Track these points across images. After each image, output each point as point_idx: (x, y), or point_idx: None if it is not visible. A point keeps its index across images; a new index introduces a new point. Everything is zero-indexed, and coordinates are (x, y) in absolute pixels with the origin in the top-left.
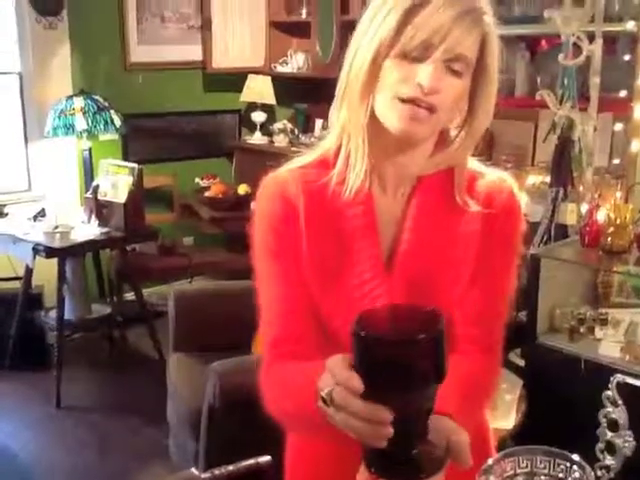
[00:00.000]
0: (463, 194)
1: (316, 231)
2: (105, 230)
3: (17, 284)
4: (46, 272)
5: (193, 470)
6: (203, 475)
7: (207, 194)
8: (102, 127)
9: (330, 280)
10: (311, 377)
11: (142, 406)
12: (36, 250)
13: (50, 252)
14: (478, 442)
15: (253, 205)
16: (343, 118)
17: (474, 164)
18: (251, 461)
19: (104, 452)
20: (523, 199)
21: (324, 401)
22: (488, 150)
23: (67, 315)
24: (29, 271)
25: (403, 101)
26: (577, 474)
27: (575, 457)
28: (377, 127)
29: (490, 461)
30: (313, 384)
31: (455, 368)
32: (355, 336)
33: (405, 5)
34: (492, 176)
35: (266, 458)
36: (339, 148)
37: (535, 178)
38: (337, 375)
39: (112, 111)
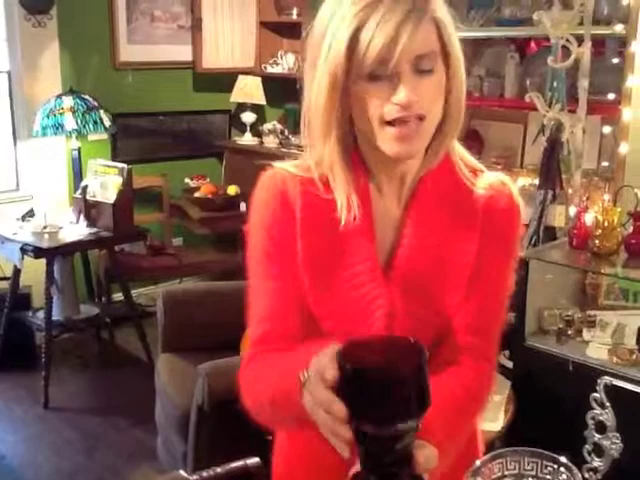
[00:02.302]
0: (469, 176)
1: (312, 234)
2: (94, 230)
3: (5, 284)
4: (34, 272)
5: (181, 472)
6: (191, 477)
7: (197, 194)
8: (91, 127)
9: (326, 282)
10: (294, 363)
11: (130, 407)
12: (24, 250)
13: (38, 252)
14: (466, 444)
15: (243, 206)
16: (315, 155)
17: (473, 161)
18: (239, 463)
19: (92, 453)
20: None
21: (303, 385)
22: (477, 152)
23: (55, 315)
24: (17, 271)
25: (389, 123)
26: (564, 476)
27: (562, 459)
28: (368, 144)
29: (478, 463)
30: (297, 367)
31: (448, 383)
32: (340, 367)
33: (350, 28)
34: (491, 177)
35: (255, 460)
36: (324, 174)
37: (524, 180)
38: (317, 395)
39: (101, 110)
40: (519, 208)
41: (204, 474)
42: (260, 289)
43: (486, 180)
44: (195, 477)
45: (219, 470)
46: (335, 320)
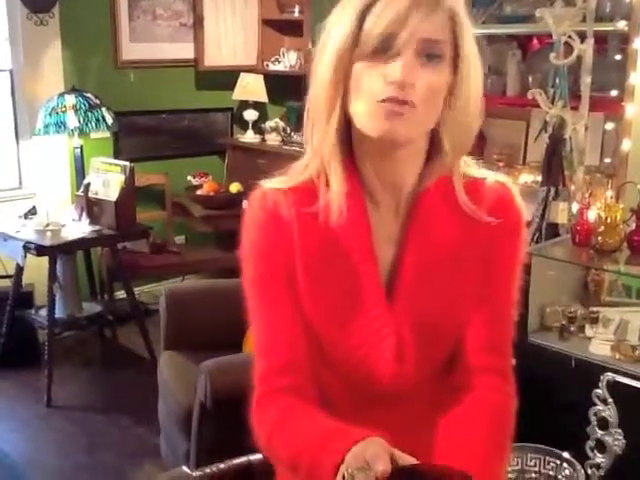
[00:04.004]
0: (469, 203)
1: (312, 259)
2: (96, 228)
3: (7, 282)
4: (37, 270)
5: (184, 468)
6: (194, 473)
7: (199, 192)
8: (94, 125)
9: (328, 308)
10: (329, 445)
11: (133, 405)
12: (27, 248)
13: (41, 250)
14: None
15: (245, 204)
16: (315, 141)
17: (472, 169)
18: (243, 459)
19: (95, 451)
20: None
21: (343, 477)
22: (480, 149)
23: (58, 313)
24: (20, 269)
25: (381, 102)
26: (567, 471)
27: (565, 455)
28: (360, 143)
29: None
30: (331, 453)
31: (475, 422)
32: None
33: (358, 6)
34: (493, 184)
35: (258, 456)
36: (319, 172)
37: (527, 177)
38: None
39: (104, 109)
40: (522, 216)
41: (207, 470)
42: (262, 319)
43: (488, 184)
44: (198, 473)
45: (222, 466)
46: (340, 350)
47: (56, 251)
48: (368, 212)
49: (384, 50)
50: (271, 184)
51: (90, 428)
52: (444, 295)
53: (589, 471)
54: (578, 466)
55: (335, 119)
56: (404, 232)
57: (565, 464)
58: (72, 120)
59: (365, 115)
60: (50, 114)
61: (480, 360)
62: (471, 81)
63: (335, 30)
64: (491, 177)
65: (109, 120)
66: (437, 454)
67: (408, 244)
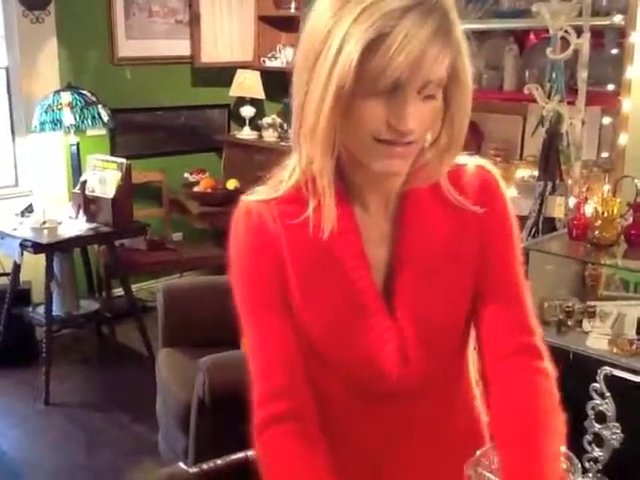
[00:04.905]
0: (456, 194)
1: (304, 271)
2: (93, 225)
3: (5, 280)
4: (34, 268)
5: (181, 465)
6: (191, 470)
7: (196, 189)
8: (90, 122)
9: (326, 317)
10: None
11: (131, 402)
12: (24, 246)
13: (38, 248)
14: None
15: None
16: (304, 161)
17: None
18: (240, 455)
19: (93, 448)
20: (512, 193)
21: None
22: (476, 144)
23: (55, 311)
24: (17, 267)
25: (379, 141)
26: (564, 465)
27: (562, 448)
28: (351, 159)
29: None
30: None
31: (520, 404)
32: None
33: (366, 36)
34: (474, 170)
35: (254, 452)
36: (306, 179)
37: (523, 172)
38: None
39: (100, 106)
40: (506, 197)
41: (204, 466)
42: (256, 342)
43: (469, 170)
44: (195, 469)
45: (219, 462)
46: (342, 358)
47: (53, 249)
48: (358, 215)
49: (389, 90)
50: (254, 196)
51: (88, 425)
52: (443, 291)
53: (587, 465)
54: (575, 460)
55: (333, 153)
56: (395, 231)
57: (562, 458)
58: (68, 117)
59: (362, 152)
60: (46, 111)
61: (507, 343)
62: (467, 102)
63: (334, 55)
64: (471, 162)
65: (105, 117)
66: (500, 453)
67: (401, 244)
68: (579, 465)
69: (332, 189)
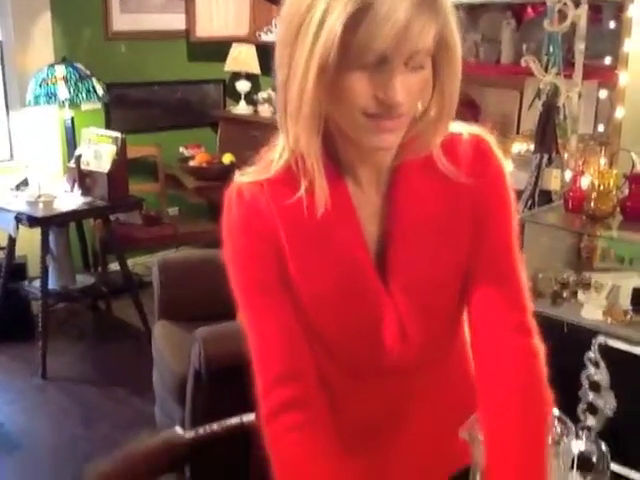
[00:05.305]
0: (449, 166)
1: (300, 251)
2: (88, 200)
3: (0, 254)
4: (29, 242)
5: (177, 429)
6: (187, 434)
7: (191, 163)
8: (84, 95)
9: (324, 296)
10: None
11: (127, 376)
12: (19, 219)
13: (33, 221)
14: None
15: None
16: (291, 140)
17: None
18: (236, 420)
19: (90, 421)
20: (508, 167)
21: None
22: (473, 118)
23: (51, 285)
24: (12, 241)
25: (368, 116)
26: (558, 429)
27: (555, 412)
28: (341, 135)
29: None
30: None
31: (507, 387)
32: None
33: (349, 8)
34: (469, 138)
35: (251, 417)
36: (296, 159)
37: (520, 146)
38: None
39: (94, 79)
40: (502, 166)
41: (200, 431)
42: (255, 328)
43: (464, 139)
44: (191, 434)
45: (215, 427)
46: (341, 336)
47: (48, 222)
48: (351, 192)
49: (375, 63)
50: (245, 177)
51: (85, 399)
52: (437, 265)
53: (580, 433)
54: (569, 422)
55: (320, 130)
56: (388, 206)
57: (556, 421)
58: (62, 91)
59: (351, 127)
60: (40, 85)
61: (497, 320)
62: (457, 69)
63: (316, 28)
64: (465, 131)
65: (100, 91)
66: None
67: (393, 219)
68: (572, 427)
69: (322, 167)
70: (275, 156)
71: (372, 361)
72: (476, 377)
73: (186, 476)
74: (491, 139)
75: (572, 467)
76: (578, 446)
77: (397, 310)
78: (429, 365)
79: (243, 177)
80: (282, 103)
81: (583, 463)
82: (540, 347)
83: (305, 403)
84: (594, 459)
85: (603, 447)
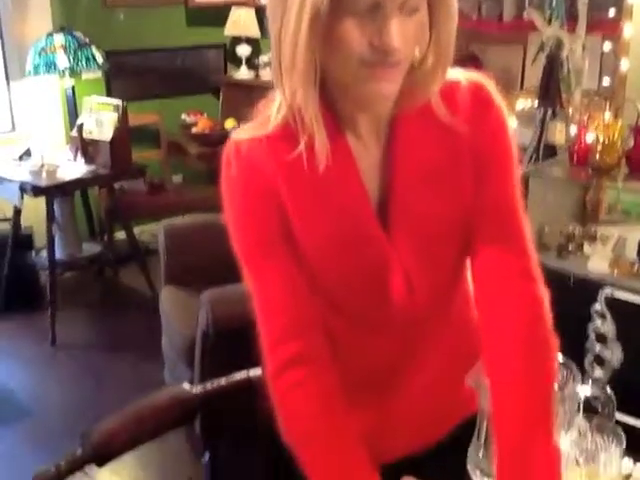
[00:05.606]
0: (448, 114)
1: (303, 207)
2: (92, 168)
3: (6, 226)
4: (34, 213)
5: (185, 384)
6: (194, 389)
7: (194, 130)
8: (84, 64)
9: (329, 250)
10: None
11: (136, 341)
12: (23, 189)
13: (37, 191)
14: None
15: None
16: (288, 95)
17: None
18: (242, 374)
19: (100, 386)
20: (512, 123)
21: None
22: None
23: (58, 255)
24: (17, 212)
25: (364, 64)
26: (564, 372)
27: (560, 357)
28: (338, 86)
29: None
30: None
31: (511, 335)
32: None
33: None
34: (468, 85)
35: (257, 372)
36: (294, 114)
37: (524, 102)
38: None
39: (93, 47)
40: (502, 110)
41: (207, 386)
42: (259, 282)
43: (463, 86)
44: (198, 388)
45: (223, 382)
46: (347, 290)
47: (53, 191)
48: (351, 144)
49: (368, 8)
50: (243, 134)
51: (95, 365)
52: (440, 214)
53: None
54: (574, 367)
55: (317, 82)
56: (388, 157)
57: (561, 367)
58: (62, 60)
59: (348, 77)
60: (39, 54)
61: (501, 266)
62: (453, 10)
63: None
64: (464, 78)
65: (99, 59)
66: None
67: (394, 169)
68: (578, 373)
69: (320, 120)
70: (273, 111)
71: (378, 314)
72: (480, 323)
73: (196, 431)
74: (491, 85)
75: (578, 412)
76: (584, 391)
77: (402, 261)
78: (434, 315)
79: (241, 134)
80: (277, 58)
81: (589, 408)
82: (545, 293)
83: (310, 358)
84: (599, 406)
85: (608, 390)
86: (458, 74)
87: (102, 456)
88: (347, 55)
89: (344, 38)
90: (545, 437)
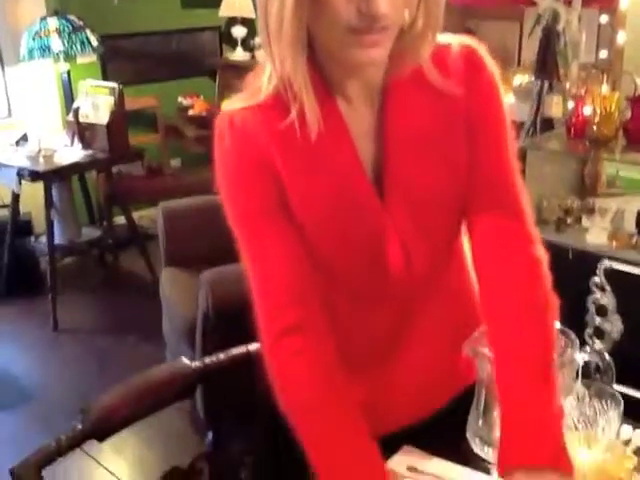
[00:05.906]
0: (440, 79)
1: (297, 175)
2: (89, 152)
3: (5, 212)
4: (33, 199)
5: (183, 359)
6: (194, 364)
7: (191, 113)
8: (79, 47)
9: (325, 220)
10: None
11: (138, 324)
12: (21, 175)
13: (35, 176)
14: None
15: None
16: (277, 64)
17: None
18: (242, 349)
19: (103, 369)
20: (509, 99)
21: None
22: None
23: (57, 239)
24: (16, 197)
25: (352, 30)
26: (562, 342)
27: (558, 325)
28: (327, 53)
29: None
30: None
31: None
32: None
33: None
34: (459, 49)
35: (256, 346)
36: (285, 84)
37: (521, 78)
38: None
39: (88, 31)
40: (494, 74)
41: (207, 360)
42: (258, 251)
43: (454, 49)
44: (198, 363)
45: (221, 357)
46: (345, 260)
47: (50, 176)
48: (343, 111)
49: None
50: (235, 104)
51: (97, 349)
52: (435, 180)
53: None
54: (572, 334)
55: (305, 49)
56: (381, 124)
57: (560, 335)
58: (56, 43)
59: (336, 44)
60: (34, 38)
61: (497, 228)
62: None
63: None
64: (455, 42)
65: (94, 42)
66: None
67: (388, 135)
68: (576, 339)
69: (310, 86)
70: (263, 82)
71: (377, 285)
72: (479, 286)
73: (199, 413)
74: (482, 48)
75: (577, 378)
76: (582, 357)
77: (398, 229)
78: (431, 285)
79: (232, 104)
80: (264, 27)
81: (588, 376)
82: (543, 254)
83: (308, 327)
84: (598, 375)
85: (607, 357)
86: (449, 38)
87: (102, 431)
88: (334, 21)
89: (331, 5)
90: (549, 394)
